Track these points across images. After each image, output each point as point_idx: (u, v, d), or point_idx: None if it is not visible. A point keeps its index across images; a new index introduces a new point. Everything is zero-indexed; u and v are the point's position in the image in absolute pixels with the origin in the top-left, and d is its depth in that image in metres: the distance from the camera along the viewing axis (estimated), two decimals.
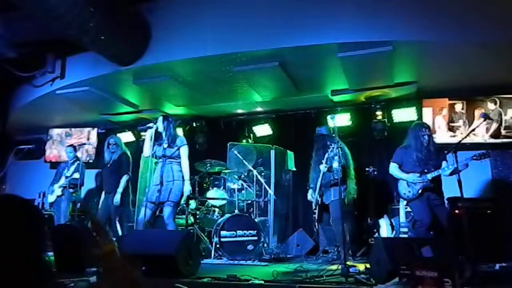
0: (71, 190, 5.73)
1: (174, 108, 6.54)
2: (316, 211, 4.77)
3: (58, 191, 5.79)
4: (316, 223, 4.89)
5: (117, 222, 5.12)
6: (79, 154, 6.19)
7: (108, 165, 5.37)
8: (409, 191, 4.06)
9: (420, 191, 3.99)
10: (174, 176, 4.31)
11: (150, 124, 4.51)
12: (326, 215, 4.74)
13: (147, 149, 4.45)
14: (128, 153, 5.53)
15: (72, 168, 5.79)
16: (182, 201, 4.97)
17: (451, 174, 3.85)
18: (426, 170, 3.98)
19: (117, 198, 5.08)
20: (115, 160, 5.36)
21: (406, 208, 5.00)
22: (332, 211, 4.60)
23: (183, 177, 4.37)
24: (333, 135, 4.69)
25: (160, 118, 4.53)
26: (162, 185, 4.24)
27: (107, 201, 5.24)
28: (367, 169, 5.60)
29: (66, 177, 5.74)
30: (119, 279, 1.07)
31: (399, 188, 4.19)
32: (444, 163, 3.97)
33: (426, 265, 2.28)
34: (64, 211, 5.70)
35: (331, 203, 4.60)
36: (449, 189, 4.82)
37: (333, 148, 4.50)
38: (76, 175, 5.67)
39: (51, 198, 5.88)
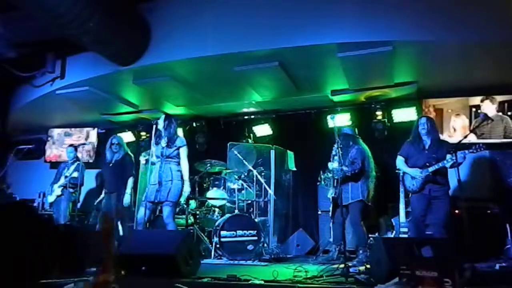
0: (71, 190, 5.73)
1: (174, 108, 6.53)
2: (330, 207, 4.85)
3: (57, 191, 5.79)
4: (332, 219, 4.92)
5: (119, 223, 5.13)
6: (79, 154, 6.19)
7: (110, 165, 5.36)
8: (413, 184, 4.13)
9: (422, 184, 4.05)
10: (172, 176, 4.29)
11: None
12: (338, 212, 4.69)
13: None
14: (130, 153, 5.55)
15: (72, 168, 5.78)
16: (183, 201, 4.97)
17: (451, 166, 3.92)
18: (427, 164, 4.03)
19: (127, 199, 5.14)
20: (118, 160, 5.36)
21: (406, 208, 5.02)
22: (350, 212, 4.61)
23: (181, 177, 4.35)
24: (357, 135, 4.85)
25: (162, 117, 4.51)
26: (161, 185, 4.23)
27: (109, 201, 5.24)
28: None
29: (66, 177, 5.74)
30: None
31: (405, 181, 4.28)
32: (448, 156, 3.99)
33: (426, 265, 2.28)
34: (64, 211, 5.69)
35: (350, 205, 4.58)
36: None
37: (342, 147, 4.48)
38: (76, 175, 5.67)
39: (51, 198, 5.87)
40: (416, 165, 4.14)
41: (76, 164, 5.84)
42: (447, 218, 3.97)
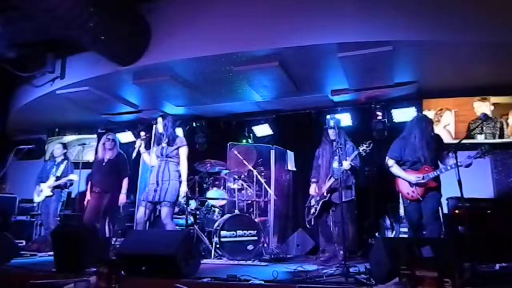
0: (65, 191, 5.67)
1: (174, 108, 6.54)
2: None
3: (47, 191, 5.53)
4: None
5: (106, 223, 5.11)
6: (82, 154, 6.15)
7: (104, 164, 5.22)
8: (413, 191, 3.88)
9: (425, 191, 3.83)
10: (170, 176, 4.27)
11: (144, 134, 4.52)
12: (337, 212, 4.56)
13: (149, 160, 4.47)
14: (123, 153, 5.48)
15: (62, 167, 5.62)
16: (183, 202, 4.97)
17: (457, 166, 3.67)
18: (427, 169, 3.84)
19: (124, 199, 5.12)
20: (112, 159, 5.25)
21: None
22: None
23: (179, 177, 4.35)
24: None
25: (160, 119, 4.51)
26: (159, 185, 4.23)
27: (99, 201, 5.11)
28: (367, 168, 5.59)
29: (57, 177, 5.55)
30: None
31: (401, 187, 3.99)
32: (447, 157, 3.86)
33: (426, 265, 2.27)
34: (54, 211, 5.51)
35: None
36: (449, 189, 4.80)
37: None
38: (75, 178, 5.59)
39: (38, 198, 5.59)
40: (414, 168, 3.91)
41: (65, 163, 5.66)
42: (439, 205, 3.87)
